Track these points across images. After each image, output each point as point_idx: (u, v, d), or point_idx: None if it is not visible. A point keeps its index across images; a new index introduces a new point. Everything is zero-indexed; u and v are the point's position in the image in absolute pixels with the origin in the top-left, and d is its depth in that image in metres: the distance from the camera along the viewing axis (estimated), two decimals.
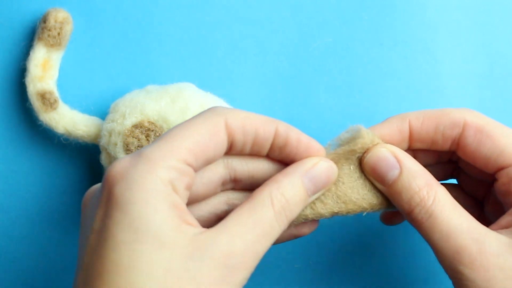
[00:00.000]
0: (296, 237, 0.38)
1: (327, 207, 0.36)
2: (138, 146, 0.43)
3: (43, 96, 0.46)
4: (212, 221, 0.35)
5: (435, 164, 0.38)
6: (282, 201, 0.33)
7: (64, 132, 0.46)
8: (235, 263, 0.30)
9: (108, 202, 0.31)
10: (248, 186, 0.35)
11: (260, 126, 0.34)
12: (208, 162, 0.33)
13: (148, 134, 0.43)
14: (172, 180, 0.31)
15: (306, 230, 0.38)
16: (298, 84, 0.48)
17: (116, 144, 0.43)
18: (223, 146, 0.33)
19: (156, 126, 0.43)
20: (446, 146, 0.36)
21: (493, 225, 0.34)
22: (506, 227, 0.34)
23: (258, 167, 0.36)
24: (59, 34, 0.47)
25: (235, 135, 0.33)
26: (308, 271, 0.48)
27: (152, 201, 0.31)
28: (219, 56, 0.48)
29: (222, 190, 0.36)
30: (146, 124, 0.43)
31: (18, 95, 0.49)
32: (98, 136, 0.46)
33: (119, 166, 0.32)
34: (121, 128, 0.43)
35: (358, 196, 0.37)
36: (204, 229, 0.31)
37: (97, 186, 0.33)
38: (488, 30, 0.49)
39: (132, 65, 0.49)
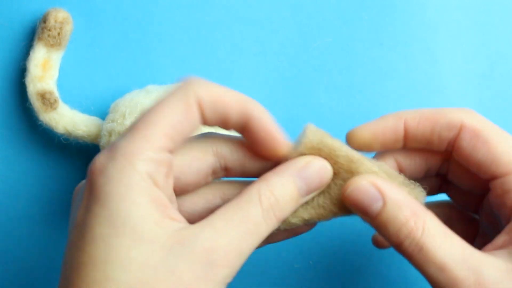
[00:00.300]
0: (295, 235, 0.37)
1: (297, 214, 0.35)
2: None
3: (43, 96, 0.46)
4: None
5: (423, 178, 0.37)
6: (271, 199, 0.32)
7: (64, 132, 0.46)
8: (217, 259, 0.30)
9: (88, 197, 0.31)
10: (240, 175, 0.35)
11: (232, 105, 0.33)
12: (186, 139, 0.32)
13: None
14: (151, 173, 0.31)
15: (304, 228, 0.37)
16: (298, 84, 0.48)
17: None
18: (198, 122, 0.32)
19: None
20: (442, 147, 0.34)
21: (489, 245, 0.32)
22: (502, 246, 0.32)
23: (248, 155, 0.35)
24: (59, 34, 0.47)
25: (204, 112, 0.32)
26: (308, 271, 0.48)
27: (131, 195, 0.30)
28: (219, 56, 0.48)
29: (216, 179, 0.35)
30: None
31: (18, 95, 0.49)
32: (98, 136, 0.46)
33: (98, 161, 0.31)
34: (121, 128, 0.43)
35: (326, 201, 0.35)
36: (188, 224, 0.31)
37: (84, 182, 0.34)
38: (488, 30, 0.49)
39: (132, 65, 0.49)
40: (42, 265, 0.49)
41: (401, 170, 0.35)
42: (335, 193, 0.34)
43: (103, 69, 0.49)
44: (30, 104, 0.47)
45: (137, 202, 0.30)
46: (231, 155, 0.34)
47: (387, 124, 0.34)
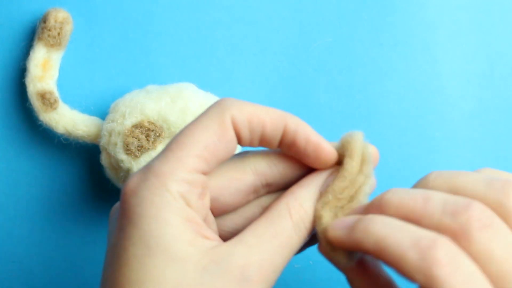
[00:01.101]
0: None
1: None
2: (138, 146, 0.43)
3: (43, 96, 0.46)
4: None
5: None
6: (301, 212, 0.32)
7: (64, 132, 0.46)
8: (252, 275, 0.30)
9: (122, 218, 0.31)
10: (283, 188, 0.34)
11: (268, 124, 0.33)
12: (222, 161, 0.32)
13: (148, 134, 0.43)
14: (183, 193, 0.31)
15: None
16: (298, 84, 0.48)
17: (116, 144, 0.43)
18: (234, 143, 0.32)
19: (156, 126, 0.43)
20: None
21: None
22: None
23: (289, 166, 0.35)
24: (59, 34, 0.47)
25: (240, 132, 0.32)
26: (308, 271, 0.48)
27: (163, 215, 0.30)
28: (219, 56, 0.48)
29: (257, 197, 0.35)
30: (146, 124, 0.43)
31: (18, 95, 0.49)
32: (98, 136, 0.46)
33: (131, 182, 0.31)
34: (121, 128, 0.43)
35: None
36: (221, 242, 0.31)
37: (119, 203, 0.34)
38: (488, 30, 0.49)
39: (132, 65, 0.49)
40: (42, 265, 0.49)
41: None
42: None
43: (103, 69, 0.49)
44: (30, 104, 0.47)
45: (170, 222, 0.30)
46: (271, 171, 0.34)
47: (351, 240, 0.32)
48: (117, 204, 0.34)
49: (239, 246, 0.30)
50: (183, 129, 0.32)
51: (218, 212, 0.33)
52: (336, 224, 0.31)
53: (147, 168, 0.31)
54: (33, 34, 0.48)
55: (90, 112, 0.48)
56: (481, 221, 0.28)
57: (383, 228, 0.29)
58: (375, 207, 0.31)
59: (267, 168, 0.34)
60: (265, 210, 0.33)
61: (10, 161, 0.49)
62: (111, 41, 0.49)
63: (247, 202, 0.34)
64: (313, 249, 0.47)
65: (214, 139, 0.31)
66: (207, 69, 0.48)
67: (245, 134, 0.32)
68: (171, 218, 0.30)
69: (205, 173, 0.32)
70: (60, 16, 0.47)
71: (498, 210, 0.29)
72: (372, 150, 0.34)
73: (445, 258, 0.27)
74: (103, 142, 0.45)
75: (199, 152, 0.31)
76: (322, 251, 0.31)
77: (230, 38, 0.49)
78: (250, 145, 0.33)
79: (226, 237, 0.33)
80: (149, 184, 0.31)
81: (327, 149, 0.32)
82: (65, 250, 0.49)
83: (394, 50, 0.49)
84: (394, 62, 0.49)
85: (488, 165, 0.39)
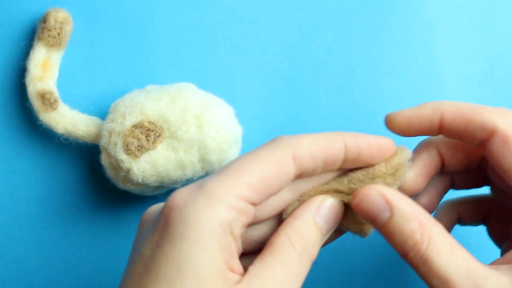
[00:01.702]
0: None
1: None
2: (138, 146, 0.43)
3: (43, 96, 0.47)
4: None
5: (465, 170, 0.37)
6: (301, 242, 0.33)
7: (64, 132, 0.46)
8: None
9: (161, 232, 0.31)
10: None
11: (329, 148, 0.33)
12: (271, 195, 0.33)
13: (148, 134, 0.43)
14: (230, 221, 0.31)
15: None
16: (298, 84, 0.48)
17: (116, 144, 0.43)
18: (289, 178, 0.33)
19: (156, 126, 0.43)
20: (474, 144, 0.35)
21: (500, 259, 0.33)
22: (510, 261, 0.32)
23: (323, 180, 0.36)
24: (59, 34, 0.47)
25: (304, 165, 0.33)
26: (308, 271, 0.47)
27: (204, 240, 0.30)
28: (219, 56, 0.48)
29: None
30: (146, 124, 0.43)
31: (18, 95, 0.49)
32: (98, 136, 0.46)
33: (179, 197, 0.31)
34: (121, 128, 0.43)
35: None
36: (241, 277, 0.32)
37: (157, 207, 0.33)
38: (488, 30, 0.49)
39: (132, 65, 0.49)
40: (42, 265, 0.49)
41: (443, 160, 0.36)
42: None
43: (103, 69, 0.49)
44: (30, 104, 0.47)
45: (208, 248, 0.31)
46: (307, 187, 0.35)
47: (424, 114, 0.34)
48: (151, 209, 0.34)
49: (255, 280, 0.31)
50: (241, 156, 0.32)
51: (250, 224, 0.33)
52: (395, 112, 0.35)
53: (199, 186, 0.31)
54: (33, 34, 0.48)
55: (90, 112, 0.48)
56: None
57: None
58: None
59: (303, 184, 0.35)
60: (266, 245, 0.34)
61: (10, 161, 0.49)
62: (111, 41, 0.49)
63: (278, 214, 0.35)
64: None
65: (271, 173, 0.32)
66: (207, 69, 0.48)
67: (309, 166, 0.32)
68: (210, 244, 0.30)
69: (254, 204, 0.32)
70: (60, 16, 0.47)
71: None
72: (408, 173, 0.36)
73: None
74: (103, 142, 0.45)
75: (254, 181, 0.31)
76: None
77: (230, 38, 0.49)
78: (313, 174, 0.34)
79: (249, 244, 0.34)
80: (198, 205, 0.31)
81: (388, 144, 0.34)
82: (64, 250, 0.49)
83: (394, 50, 0.49)
84: (394, 62, 0.49)
85: None
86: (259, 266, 0.32)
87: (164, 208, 0.31)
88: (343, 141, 0.33)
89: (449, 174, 0.38)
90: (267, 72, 0.49)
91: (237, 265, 0.32)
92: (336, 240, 0.46)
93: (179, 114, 0.44)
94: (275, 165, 0.32)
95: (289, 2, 0.49)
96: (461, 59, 0.49)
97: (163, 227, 0.31)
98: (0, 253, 0.48)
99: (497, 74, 0.49)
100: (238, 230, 0.31)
